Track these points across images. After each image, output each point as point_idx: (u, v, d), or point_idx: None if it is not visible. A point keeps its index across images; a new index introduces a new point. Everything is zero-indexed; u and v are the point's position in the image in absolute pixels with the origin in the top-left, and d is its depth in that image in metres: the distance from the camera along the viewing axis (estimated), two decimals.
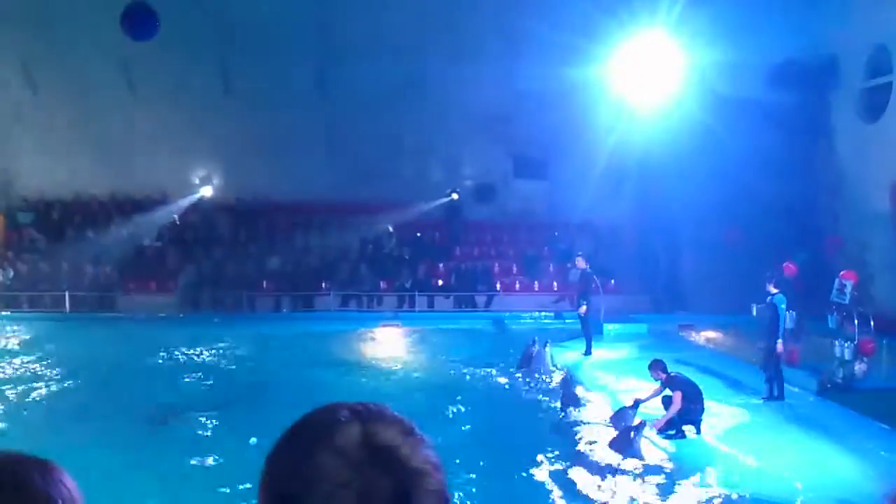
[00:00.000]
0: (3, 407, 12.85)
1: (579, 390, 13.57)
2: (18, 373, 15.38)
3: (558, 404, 12.99)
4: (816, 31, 18.96)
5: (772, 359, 12.59)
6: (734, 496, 8.76)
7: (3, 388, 13.98)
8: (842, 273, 13.79)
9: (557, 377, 14.90)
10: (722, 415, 11.73)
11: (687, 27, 18.34)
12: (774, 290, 12.54)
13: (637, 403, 11.14)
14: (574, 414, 12.28)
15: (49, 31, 22.48)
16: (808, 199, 19.96)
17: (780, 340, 12.39)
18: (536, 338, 16.03)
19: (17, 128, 24.61)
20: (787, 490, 8.88)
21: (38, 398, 13.42)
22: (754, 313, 18.83)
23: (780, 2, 19.13)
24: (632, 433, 10.11)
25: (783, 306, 12.42)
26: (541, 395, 13.89)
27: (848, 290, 13.30)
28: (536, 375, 15.23)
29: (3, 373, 15.43)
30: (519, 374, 15.45)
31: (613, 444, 10.20)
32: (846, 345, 13.16)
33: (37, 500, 1.08)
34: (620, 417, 11.11)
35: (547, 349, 15.81)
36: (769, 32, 18.42)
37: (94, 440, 10.33)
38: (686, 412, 10.77)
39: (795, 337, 14.44)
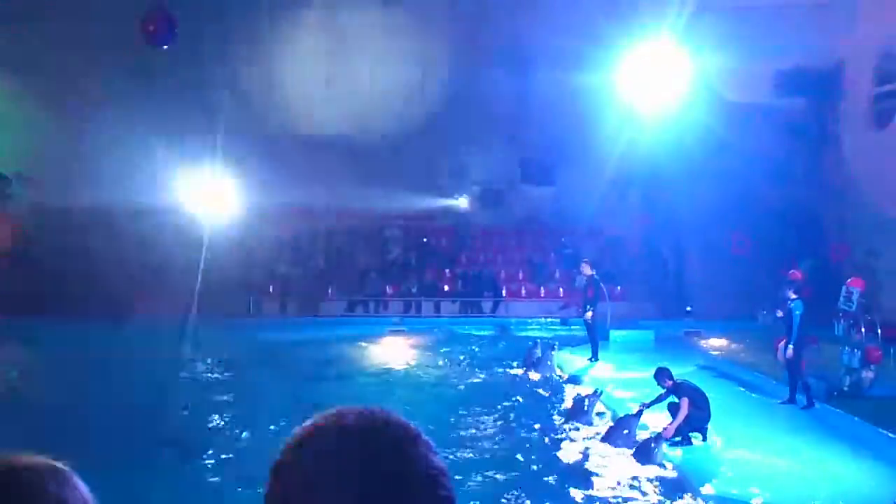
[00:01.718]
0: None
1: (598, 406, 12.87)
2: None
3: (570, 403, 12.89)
4: (824, 37, 18.90)
5: (789, 364, 12.57)
6: None
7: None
8: (849, 280, 13.74)
9: (570, 389, 14.73)
10: (728, 421, 11.67)
11: (695, 34, 18.31)
12: (794, 297, 12.56)
13: (641, 411, 11.10)
14: (581, 422, 12.22)
15: None
16: (815, 205, 19.91)
17: (790, 346, 12.37)
18: (538, 340, 16.63)
19: None
20: (793, 498, 8.84)
21: (43, 403, 13.43)
22: (760, 320, 18.86)
23: (788, 8, 19.09)
24: (652, 444, 10.07)
25: (798, 313, 12.37)
26: (546, 401, 13.87)
27: (855, 297, 13.26)
28: (540, 376, 15.30)
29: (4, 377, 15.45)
30: (521, 371, 15.67)
31: (635, 456, 10.13)
32: (853, 352, 13.12)
33: None
34: (623, 425, 11.06)
35: (553, 352, 16.19)
36: (777, 39, 18.37)
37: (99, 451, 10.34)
38: (692, 419, 10.73)
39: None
